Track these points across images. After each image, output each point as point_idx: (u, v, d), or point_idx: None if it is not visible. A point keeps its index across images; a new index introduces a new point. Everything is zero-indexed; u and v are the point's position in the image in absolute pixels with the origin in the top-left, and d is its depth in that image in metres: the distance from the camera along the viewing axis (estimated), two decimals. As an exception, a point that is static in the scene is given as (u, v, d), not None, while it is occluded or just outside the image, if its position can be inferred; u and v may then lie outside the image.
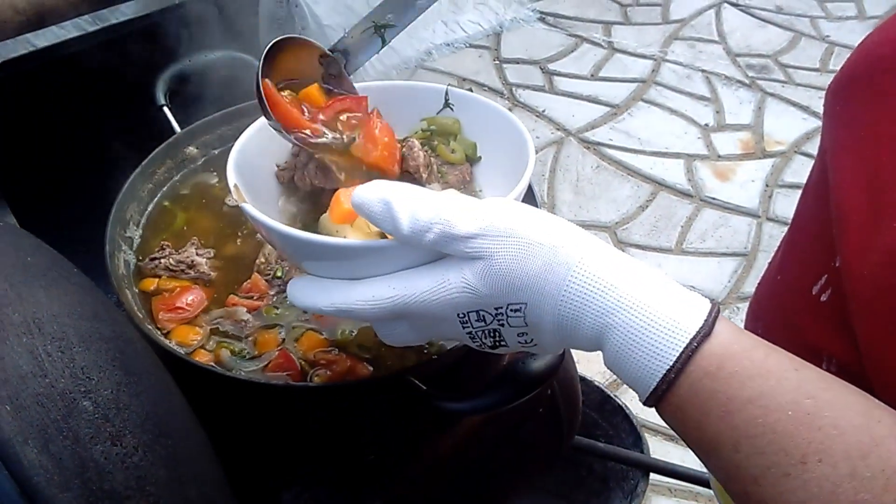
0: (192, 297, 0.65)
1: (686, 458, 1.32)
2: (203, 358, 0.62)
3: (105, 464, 0.41)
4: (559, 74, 2.63)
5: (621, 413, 1.29)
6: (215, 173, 0.79)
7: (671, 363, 0.39)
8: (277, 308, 0.65)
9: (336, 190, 0.56)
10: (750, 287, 1.96)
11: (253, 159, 0.59)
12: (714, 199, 2.21)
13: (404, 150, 0.60)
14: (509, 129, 0.61)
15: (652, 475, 1.24)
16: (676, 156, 2.34)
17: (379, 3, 0.63)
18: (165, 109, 0.82)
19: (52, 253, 0.51)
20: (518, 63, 2.68)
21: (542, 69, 2.65)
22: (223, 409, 0.63)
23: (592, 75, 2.64)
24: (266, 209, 0.53)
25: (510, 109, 2.48)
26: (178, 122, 0.81)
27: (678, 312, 0.40)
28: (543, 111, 2.49)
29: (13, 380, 0.40)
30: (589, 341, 0.42)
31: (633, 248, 2.07)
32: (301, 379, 0.61)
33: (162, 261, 0.68)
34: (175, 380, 0.52)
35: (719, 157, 2.34)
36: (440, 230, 0.41)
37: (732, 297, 1.96)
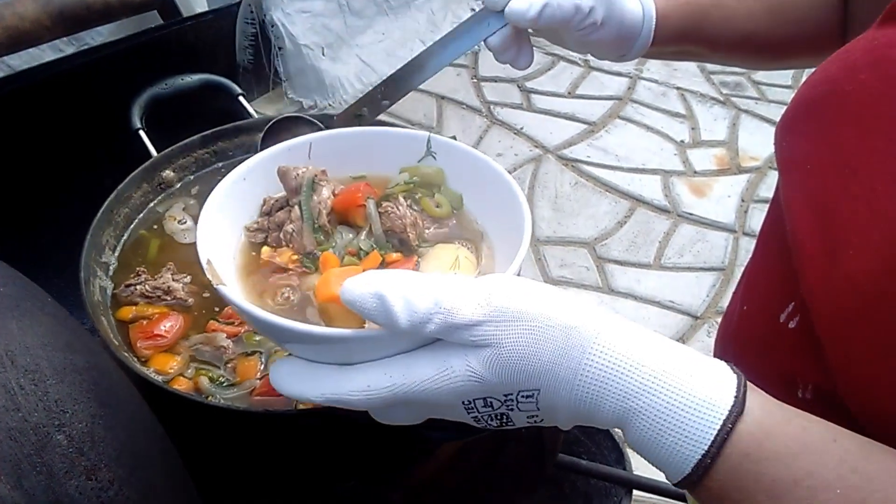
0: (171, 324, 0.65)
1: (668, 475, 1.32)
2: (182, 386, 0.61)
3: (80, 499, 0.40)
4: (537, 92, 2.66)
5: (603, 430, 1.29)
6: (193, 197, 0.79)
7: (706, 447, 0.37)
8: (258, 334, 0.64)
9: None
10: (728, 302, 1.98)
11: (221, 224, 0.55)
12: (691, 214, 2.24)
13: (389, 206, 0.57)
14: (497, 182, 0.57)
15: (635, 492, 1.24)
16: (653, 172, 2.37)
17: (356, 100, 0.69)
18: (141, 133, 0.82)
19: (24, 283, 0.50)
20: (496, 81, 2.71)
21: (519, 87, 2.68)
22: (203, 437, 0.63)
23: (569, 93, 2.67)
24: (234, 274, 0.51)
25: (488, 127, 2.50)
26: (154, 145, 0.81)
27: (706, 390, 0.37)
28: (521, 129, 2.51)
29: (-15, 415, 0.39)
30: (609, 423, 0.39)
31: (612, 263, 2.09)
32: (285, 405, 0.60)
33: (137, 287, 0.67)
34: (153, 409, 0.51)
35: (695, 172, 2.37)
36: (441, 320, 0.38)
37: (711, 312, 1.98)
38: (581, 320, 0.39)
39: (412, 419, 0.44)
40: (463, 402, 0.40)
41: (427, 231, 0.58)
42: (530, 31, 0.69)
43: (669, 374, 0.38)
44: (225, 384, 0.62)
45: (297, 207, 0.58)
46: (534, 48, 0.72)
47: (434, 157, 0.61)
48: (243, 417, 0.59)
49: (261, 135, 0.71)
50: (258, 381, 0.62)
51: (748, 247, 2.14)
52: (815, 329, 0.45)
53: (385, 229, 0.56)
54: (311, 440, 0.66)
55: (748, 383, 0.39)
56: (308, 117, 0.74)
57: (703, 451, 0.37)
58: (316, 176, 0.59)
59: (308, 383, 0.42)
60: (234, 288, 0.50)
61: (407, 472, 0.69)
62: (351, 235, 0.57)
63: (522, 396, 0.40)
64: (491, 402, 0.40)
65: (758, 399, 0.38)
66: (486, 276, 0.41)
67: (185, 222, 0.76)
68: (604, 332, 0.39)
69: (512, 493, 0.94)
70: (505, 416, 0.41)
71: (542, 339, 0.38)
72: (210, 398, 0.60)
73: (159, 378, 0.61)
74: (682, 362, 0.38)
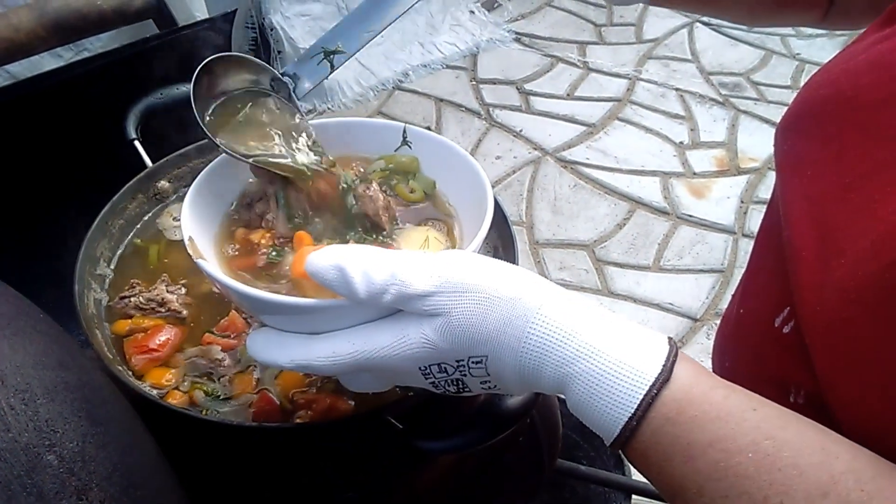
0: (165, 337, 0.64)
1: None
2: (177, 399, 0.61)
3: (71, 520, 0.40)
4: (535, 94, 2.65)
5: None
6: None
7: (632, 411, 0.39)
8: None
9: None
10: (727, 303, 1.98)
11: (205, 206, 0.59)
12: (690, 216, 2.24)
13: (362, 191, 0.60)
14: (467, 170, 0.60)
15: (634, 497, 1.24)
16: (652, 174, 2.36)
17: (329, 31, 0.65)
18: (136, 143, 0.81)
19: (17, 299, 0.49)
20: (495, 83, 2.70)
21: (518, 89, 2.67)
22: (198, 452, 0.62)
23: (568, 95, 2.67)
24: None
25: (487, 130, 2.49)
26: (149, 156, 0.81)
27: (637, 358, 0.40)
28: (521, 131, 2.50)
29: (-25, 436, 0.39)
30: (552, 388, 0.42)
31: (611, 265, 2.09)
32: (283, 419, 0.60)
33: (132, 299, 0.67)
34: (148, 423, 0.51)
35: (694, 174, 2.37)
36: (396, 290, 0.42)
37: (710, 314, 1.97)
38: (526, 292, 0.42)
39: (378, 386, 0.48)
40: (420, 368, 0.44)
41: (403, 214, 0.62)
42: None
43: (604, 343, 0.41)
44: (221, 398, 0.62)
45: (274, 197, 0.60)
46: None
47: (409, 147, 0.65)
48: (238, 432, 0.58)
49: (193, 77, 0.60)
50: (255, 395, 0.62)
51: (747, 248, 2.13)
52: (804, 336, 0.45)
53: (359, 212, 0.59)
54: (309, 453, 0.66)
55: (682, 353, 0.41)
56: (252, 58, 0.63)
57: (630, 415, 0.39)
58: None
59: (279, 350, 0.46)
60: (213, 264, 0.53)
61: (404, 484, 0.69)
62: (329, 218, 0.60)
63: (472, 362, 0.43)
64: (445, 368, 0.44)
65: (686, 368, 0.41)
66: (441, 252, 0.45)
67: (180, 220, 0.77)
68: (546, 303, 0.42)
69: (511, 499, 0.94)
70: (460, 382, 0.45)
71: (489, 309, 0.41)
72: (206, 412, 0.60)
73: (154, 392, 0.61)
74: (618, 333, 0.41)
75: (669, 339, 0.42)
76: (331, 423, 0.60)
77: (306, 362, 0.45)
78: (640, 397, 0.39)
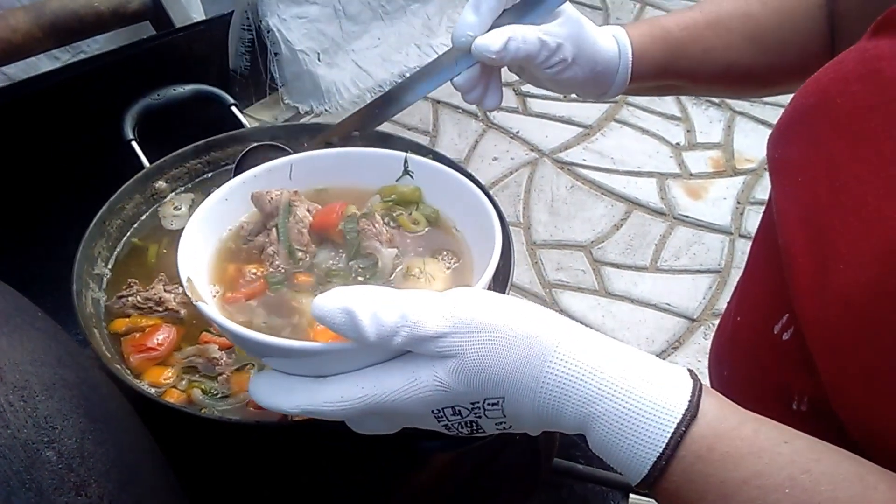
0: (163, 336, 0.65)
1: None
2: (174, 398, 0.61)
3: (69, 515, 0.40)
4: (532, 96, 2.66)
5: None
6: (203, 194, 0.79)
7: (661, 450, 0.38)
8: (249, 345, 0.64)
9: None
10: (724, 303, 1.98)
11: (202, 243, 0.57)
12: (687, 216, 2.24)
13: (365, 224, 0.59)
14: (471, 197, 0.59)
15: (631, 496, 1.24)
16: (649, 175, 2.37)
17: (329, 130, 0.70)
18: (134, 144, 0.82)
19: (15, 297, 0.50)
20: (491, 85, 2.71)
21: (515, 91, 2.68)
22: (196, 450, 0.63)
23: (565, 96, 2.67)
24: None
25: (484, 132, 2.50)
26: (146, 156, 0.81)
27: (662, 394, 0.39)
28: (517, 132, 2.51)
29: (-26, 432, 0.39)
30: (573, 428, 0.41)
31: (608, 266, 2.09)
32: (281, 417, 0.60)
33: (129, 299, 0.67)
34: (146, 421, 0.52)
35: (691, 175, 2.38)
36: (408, 332, 0.40)
37: (707, 314, 1.98)
38: (542, 330, 0.40)
39: (387, 429, 0.46)
40: (432, 412, 0.42)
41: (409, 244, 0.60)
42: (506, 69, 0.66)
43: (627, 380, 0.39)
44: (219, 396, 0.62)
45: (274, 230, 0.59)
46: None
47: (411, 176, 0.63)
48: (235, 429, 0.59)
49: (234, 164, 0.74)
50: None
51: (744, 249, 2.14)
52: (806, 342, 0.45)
53: (362, 247, 0.58)
54: (307, 451, 0.66)
55: (705, 387, 0.40)
56: (281, 145, 0.76)
57: (658, 454, 0.38)
58: (289, 199, 0.60)
59: (284, 395, 0.44)
60: (212, 305, 0.51)
61: (402, 481, 0.69)
62: (332, 253, 0.59)
63: (489, 404, 0.41)
64: (459, 411, 0.42)
65: (712, 403, 0.39)
66: (451, 290, 0.43)
67: (180, 209, 0.77)
68: (564, 340, 0.40)
69: (508, 499, 0.94)
70: (474, 424, 0.43)
71: (505, 349, 0.40)
72: (204, 410, 0.60)
73: (152, 390, 0.61)
74: (639, 368, 0.40)
75: (690, 371, 0.41)
76: (327, 422, 0.60)
77: (313, 408, 0.43)
78: (669, 435, 0.38)
